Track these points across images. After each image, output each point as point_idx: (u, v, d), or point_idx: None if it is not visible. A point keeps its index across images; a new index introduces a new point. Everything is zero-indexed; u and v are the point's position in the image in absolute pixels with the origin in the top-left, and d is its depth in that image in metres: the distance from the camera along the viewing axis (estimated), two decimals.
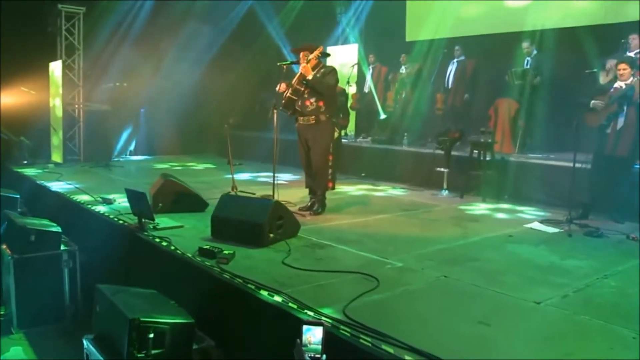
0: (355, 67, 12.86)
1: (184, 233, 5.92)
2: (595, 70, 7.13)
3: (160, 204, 6.87)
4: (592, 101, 7.03)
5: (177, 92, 13.76)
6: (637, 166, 7.33)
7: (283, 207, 5.80)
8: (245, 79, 14.26)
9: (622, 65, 6.96)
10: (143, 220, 5.96)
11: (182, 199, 7.04)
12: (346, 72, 11.95)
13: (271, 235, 5.48)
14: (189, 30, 13.83)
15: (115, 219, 6.43)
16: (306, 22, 13.52)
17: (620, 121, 6.87)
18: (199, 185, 8.01)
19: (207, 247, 5.06)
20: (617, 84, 7.00)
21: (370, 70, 12.85)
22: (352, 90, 12.52)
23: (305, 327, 2.88)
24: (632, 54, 8.25)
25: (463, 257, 5.17)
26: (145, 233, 5.76)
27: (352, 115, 12.68)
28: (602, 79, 8.25)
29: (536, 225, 6.66)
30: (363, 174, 10.60)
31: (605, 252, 5.52)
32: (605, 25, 9.52)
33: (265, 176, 10.08)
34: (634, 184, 6.85)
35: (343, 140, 11.35)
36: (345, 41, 14.16)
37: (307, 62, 6.79)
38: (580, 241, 5.97)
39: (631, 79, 6.88)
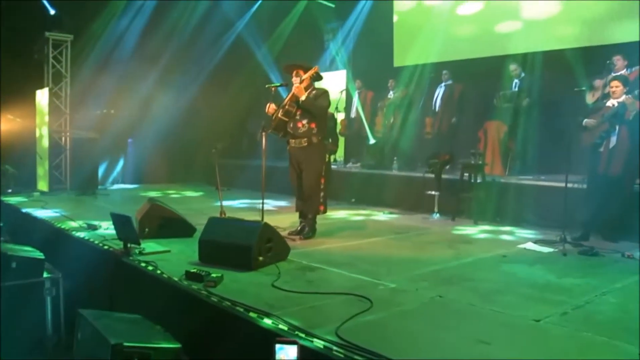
0: (344, 92, 12.88)
1: (170, 257, 5.75)
2: (584, 88, 7.12)
3: (146, 229, 6.70)
4: (585, 120, 6.99)
5: (164, 120, 13.60)
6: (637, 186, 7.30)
7: (272, 229, 5.65)
8: (233, 106, 14.21)
9: (615, 83, 6.94)
10: (129, 245, 5.80)
11: (169, 224, 6.87)
12: (335, 98, 11.93)
13: (260, 258, 5.32)
14: (177, 57, 13.82)
15: (100, 245, 6.25)
16: (294, 49, 13.56)
17: (613, 140, 6.82)
18: (187, 212, 7.85)
19: (194, 270, 4.90)
20: (610, 102, 6.97)
21: (357, 95, 12.83)
22: (340, 116, 12.50)
23: (277, 345, 2.72)
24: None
25: (458, 278, 5.04)
26: (131, 258, 5.59)
27: (341, 141, 12.67)
28: (589, 99, 8.25)
29: (530, 245, 6.57)
30: (353, 200, 10.50)
31: (602, 270, 5.43)
32: (590, 47, 9.58)
33: (254, 203, 9.94)
34: (630, 203, 6.82)
35: (332, 166, 11.29)
36: (334, 67, 14.19)
37: (301, 82, 6.69)
38: (576, 260, 5.89)
39: (623, 97, 6.85)
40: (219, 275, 4.82)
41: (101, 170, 13.23)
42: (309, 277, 5.07)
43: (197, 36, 13.98)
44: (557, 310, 4.08)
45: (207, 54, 14.49)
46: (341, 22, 14.18)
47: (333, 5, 14.65)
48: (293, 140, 6.83)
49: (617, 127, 6.79)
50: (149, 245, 6.05)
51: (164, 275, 4.99)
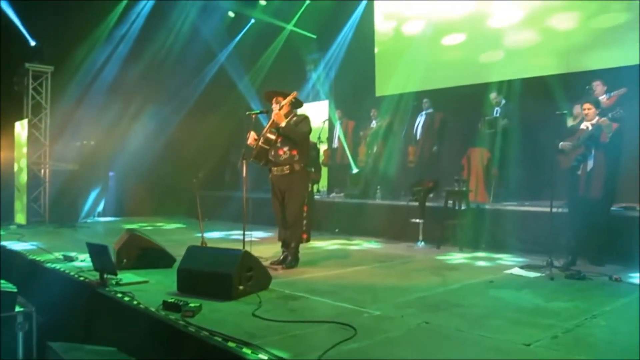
0: (326, 122, 12.85)
1: (148, 288, 5.57)
2: (565, 112, 7.13)
3: (124, 260, 6.54)
4: (561, 143, 6.97)
5: (146, 152, 13.55)
6: (616, 209, 7.28)
7: (253, 257, 5.49)
8: (216, 137, 14.14)
9: (587, 105, 6.97)
10: (105, 276, 5.61)
11: (147, 254, 6.69)
12: (317, 127, 11.87)
13: (240, 287, 5.16)
14: (159, 88, 13.76)
15: (76, 276, 6.05)
16: (276, 79, 13.54)
17: (590, 163, 6.81)
18: (168, 244, 7.66)
19: (172, 300, 4.73)
20: (584, 125, 6.98)
21: (338, 125, 12.79)
22: (323, 147, 12.46)
23: None
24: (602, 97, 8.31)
25: (444, 304, 4.91)
26: (107, 289, 5.40)
27: (325, 171, 12.60)
28: (569, 123, 8.26)
29: (516, 270, 6.48)
30: (337, 230, 10.36)
31: (591, 294, 5.34)
32: (570, 74, 9.69)
33: (236, 234, 9.73)
34: (612, 226, 6.78)
35: (316, 197, 11.18)
36: (316, 98, 14.18)
37: (280, 109, 6.61)
38: (563, 284, 5.79)
39: (596, 118, 6.86)
40: (198, 304, 4.65)
41: (81, 203, 12.99)
42: (292, 305, 4.91)
43: (179, 67, 13.95)
44: (547, 334, 3.95)
45: (189, 85, 14.47)
46: (323, 53, 14.26)
47: (314, 37, 14.73)
48: (275, 168, 6.72)
49: (592, 150, 6.79)
50: (126, 276, 5.87)
51: (141, 306, 4.81)
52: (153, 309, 4.70)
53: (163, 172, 13.92)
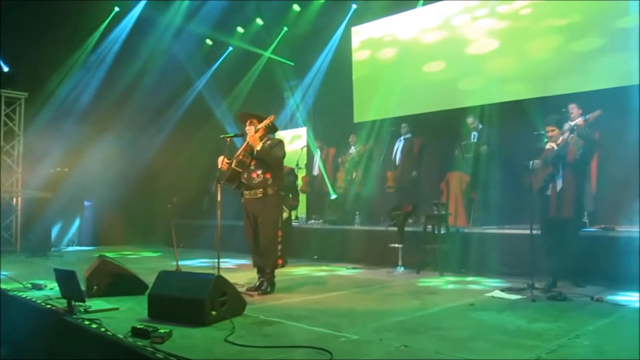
0: (304, 149, 12.77)
1: (118, 315, 5.35)
2: (542, 132, 7.11)
3: (94, 287, 6.32)
4: (531, 161, 6.94)
5: (123, 180, 13.37)
6: (595, 230, 7.25)
7: (226, 282, 5.30)
8: (193, 165, 13.94)
9: (550, 127, 7.00)
10: (73, 303, 5.37)
11: (119, 281, 6.46)
12: (295, 154, 11.81)
13: (213, 312, 4.96)
14: (135, 115, 13.58)
15: (43, 304, 5.80)
16: (254, 106, 13.38)
17: (559, 183, 6.77)
18: (142, 271, 7.42)
19: (141, 326, 4.53)
20: (549, 145, 6.98)
21: (318, 153, 12.71)
22: (301, 174, 12.37)
23: None
24: (573, 123, 8.33)
25: (424, 327, 4.76)
26: (74, 316, 5.17)
27: (303, 197, 12.47)
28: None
29: (497, 293, 6.36)
30: (315, 257, 10.20)
31: (573, 314, 5.25)
32: (546, 97, 9.76)
33: (214, 262, 9.52)
34: (595, 248, 6.73)
35: (294, 224, 11.03)
36: (294, 124, 14.12)
37: (256, 132, 6.50)
38: (545, 305, 5.69)
39: (561, 138, 6.86)
40: (168, 330, 4.46)
41: (55, 231, 12.71)
42: (266, 331, 4.72)
43: (156, 94, 13.81)
44: (530, 355, 3.83)
45: (166, 112, 14.34)
46: (300, 80, 14.24)
47: (292, 64, 14.73)
48: (247, 192, 6.59)
49: (560, 170, 6.75)
50: (95, 303, 5.67)
51: (108, 333, 4.59)
52: (121, 336, 4.48)
53: (140, 200, 13.72)
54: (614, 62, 9.22)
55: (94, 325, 4.83)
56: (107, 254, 10.35)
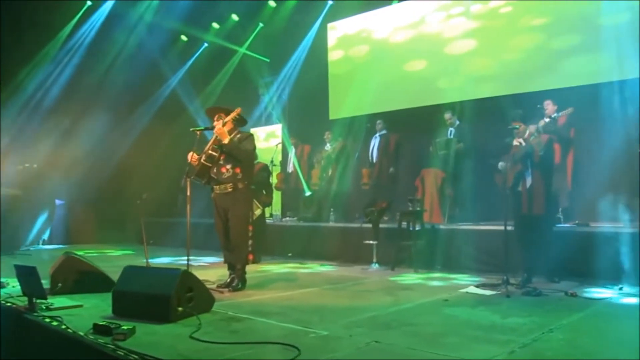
0: (280, 146, 12.63)
1: (81, 312, 5.16)
2: (517, 127, 7.05)
3: (59, 284, 6.12)
4: (499, 163, 6.92)
5: (96, 177, 13.10)
6: (569, 226, 7.23)
7: (193, 277, 5.15)
8: (167, 162, 13.71)
9: (515, 123, 6.99)
10: (34, 300, 5.17)
11: (85, 278, 6.27)
12: (270, 151, 11.67)
13: (180, 309, 4.80)
14: (108, 112, 13.30)
15: (3, 302, 5.58)
16: (228, 103, 13.20)
17: (528, 180, 6.75)
18: (112, 269, 7.18)
19: (104, 323, 4.36)
20: (516, 141, 6.95)
21: (293, 150, 12.57)
22: (276, 171, 12.22)
23: None
24: (547, 119, 8.32)
25: (397, 322, 4.64)
26: (35, 314, 4.97)
27: (278, 195, 12.33)
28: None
29: (472, 289, 6.28)
30: (290, 254, 10.06)
31: (547, 309, 5.18)
32: (522, 94, 9.71)
33: (185, 259, 9.35)
34: (569, 243, 6.70)
35: (268, 221, 10.88)
36: (269, 121, 13.97)
37: (223, 125, 6.34)
38: (520, 301, 5.62)
39: (527, 132, 6.83)
40: (131, 327, 4.30)
41: (24, 230, 12.36)
42: (234, 327, 4.58)
43: (130, 90, 13.52)
44: (504, 349, 3.73)
45: (140, 108, 14.08)
46: (276, 76, 14.09)
47: (268, 60, 14.58)
48: (217, 187, 6.45)
49: (529, 167, 6.73)
50: (58, 300, 5.48)
51: (69, 330, 4.41)
52: (82, 333, 4.31)
53: (113, 197, 13.44)
54: (588, 59, 9.23)
55: (54, 323, 4.64)
56: (75, 252, 10.18)
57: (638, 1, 8.60)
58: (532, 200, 6.70)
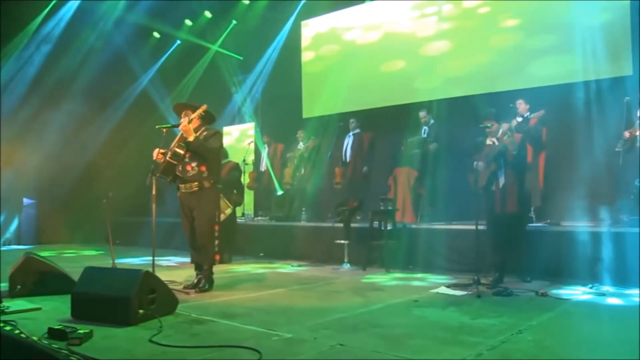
0: (252, 144, 12.48)
1: (39, 315, 4.98)
2: (488, 125, 6.98)
3: (18, 286, 5.91)
4: (475, 163, 6.84)
5: (65, 177, 12.90)
6: (541, 225, 7.20)
7: (156, 279, 4.98)
8: (137, 160, 13.45)
9: (488, 122, 6.88)
10: None
11: (46, 279, 6.06)
12: (243, 150, 11.51)
13: (141, 311, 4.63)
14: (78, 109, 13.02)
15: None
16: (200, 101, 13.02)
17: (502, 179, 6.69)
18: (78, 270, 7.00)
19: (59, 327, 4.18)
20: (489, 141, 6.89)
21: (266, 149, 12.41)
22: (249, 169, 12.07)
23: None
24: (520, 118, 8.30)
25: (364, 324, 4.53)
26: None
27: (250, 194, 12.18)
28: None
29: (442, 289, 6.19)
30: (261, 254, 9.91)
31: (517, 309, 5.12)
32: (495, 93, 9.68)
33: (156, 259, 9.11)
34: (540, 242, 6.68)
35: (240, 220, 10.73)
36: (242, 120, 13.81)
37: (189, 122, 6.18)
38: (490, 301, 5.55)
39: (500, 131, 6.78)
40: (88, 331, 4.14)
41: None
42: (196, 330, 4.43)
43: (101, 86, 13.25)
44: (471, 351, 3.64)
45: (111, 105, 13.84)
46: (248, 75, 13.92)
47: (241, 58, 14.41)
48: (183, 185, 6.29)
49: (502, 167, 6.68)
50: (16, 303, 5.31)
51: (22, 335, 4.21)
52: (35, 338, 4.11)
53: (83, 196, 13.13)
54: (559, 60, 9.23)
55: (7, 327, 4.44)
56: (42, 253, 9.90)
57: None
58: (505, 200, 6.64)
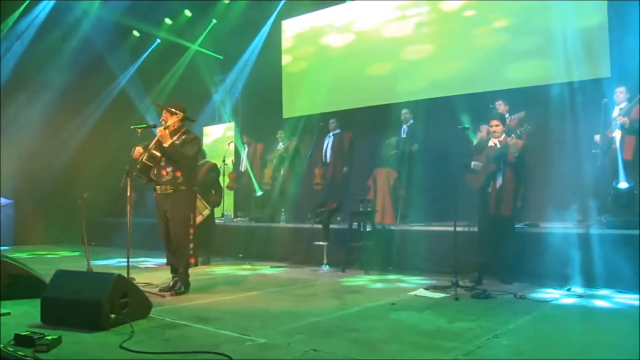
0: (232, 144, 12.38)
1: (8, 320, 4.84)
2: (467, 126, 6.96)
3: None
4: (473, 162, 6.80)
5: (44, 176, 12.78)
6: (520, 226, 7.20)
7: (128, 282, 4.89)
8: (117, 159, 13.29)
9: (495, 122, 6.85)
10: None
11: (17, 283, 5.90)
12: (222, 150, 11.42)
13: (112, 315, 4.53)
14: (57, 107, 12.83)
15: None
16: (180, 100, 12.91)
17: (499, 180, 6.69)
18: (52, 272, 6.89)
19: (27, 333, 4.07)
20: (491, 142, 6.86)
21: (246, 149, 12.32)
22: (228, 169, 11.97)
23: None
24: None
25: (339, 329, 4.47)
26: None
27: (230, 194, 12.08)
28: (475, 141, 8.18)
29: (421, 292, 6.15)
30: (240, 255, 9.82)
31: (495, 312, 5.09)
32: (474, 94, 9.66)
33: (135, 261, 9.01)
34: (520, 244, 6.72)
35: (219, 221, 10.62)
36: (221, 119, 13.71)
37: (165, 129, 6.09)
38: (468, 304, 5.52)
39: (504, 135, 6.74)
40: (56, 337, 4.03)
41: None
42: (169, 335, 4.35)
43: (80, 84, 13.05)
44: (446, 356, 3.62)
45: (90, 104, 13.66)
46: (228, 74, 13.82)
47: (221, 57, 14.30)
48: (158, 187, 6.23)
49: (502, 168, 6.66)
50: None
51: None
52: (1, 346, 4.01)
53: (62, 196, 12.91)
54: (538, 62, 9.24)
55: None
56: (18, 254, 9.75)
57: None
58: (500, 202, 6.64)
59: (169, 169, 6.12)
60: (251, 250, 9.79)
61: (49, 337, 4.00)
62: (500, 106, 8.49)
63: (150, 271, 8.20)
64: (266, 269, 8.54)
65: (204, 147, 9.26)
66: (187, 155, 6.16)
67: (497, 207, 6.65)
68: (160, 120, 6.31)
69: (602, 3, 8.59)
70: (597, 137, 7.49)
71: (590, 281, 6.19)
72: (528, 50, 9.36)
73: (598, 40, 8.59)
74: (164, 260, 8.74)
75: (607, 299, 5.74)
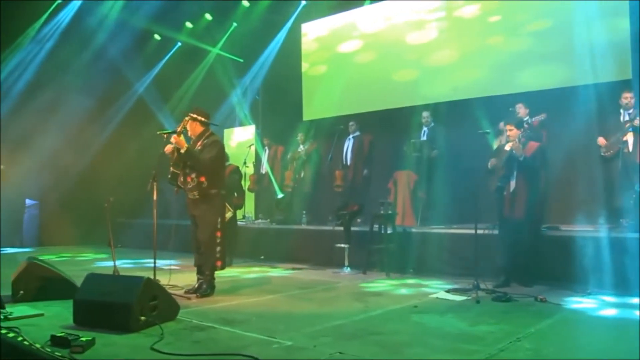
0: (253, 147, 12.50)
1: (41, 322, 5.00)
2: (488, 131, 7.02)
3: (21, 291, 5.92)
4: (491, 159, 6.85)
5: (68, 178, 12.98)
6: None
7: (157, 285, 5.03)
8: (138, 163, 13.47)
9: (509, 127, 6.94)
10: None
11: (48, 285, 6.07)
12: (243, 153, 11.55)
13: (142, 318, 4.66)
14: (80, 109, 13.04)
15: None
16: (201, 103, 12.90)
17: (512, 184, 6.75)
18: (80, 274, 6.99)
19: (62, 334, 4.21)
20: (508, 146, 6.92)
21: (266, 151, 12.44)
22: (249, 171, 12.11)
23: None
24: (526, 125, 8.32)
25: (363, 331, 4.56)
26: None
27: (251, 196, 12.20)
28: (496, 144, 8.20)
29: (442, 294, 6.23)
30: (262, 257, 9.95)
31: (516, 315, 5.15)
32: (494, 96, 9.65)
33: (159, 263, 9.12)
34: (538, 247, 6.70)
35: (241, 223, 10.76)
36: (243, 122, 13.84)
37: (180, 134, 6.20)
38: (489, 307, 5.58)
39: (516, 140, 6.80)
40: (90, 338, 4.16)
41: None
42: (197, 337, 4.46)
43: (103, 87, 13.26)
44: None
45: (113, 106, 13.90)
46: (248, 77, 13.94)
47: (242, 60, 14.44)
48: (188, 193, 6.36)
49: (514, 172, 6.71)
50: (18, 309, 5.31)
51: (25, 342, 4.24)
52: (38, 346, 4.14)
53: (87, 197, 13.14)
54: (560, 64, 9.23)
55: (10, 334, 4.47)
56: (44, 255, 9.93)
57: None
58: (513, 205, 6.71)
59: (193, 175, 6.25)
60: (273, 252, 9.91)
61: (84, 339, 4.12)
62: (521, 109, 8.50)
63: (175, 272, 8.29)
64: (288, 271, 8.66)
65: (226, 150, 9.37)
66: (203, 159, 6.24)
67: (511, 210, 6.71)
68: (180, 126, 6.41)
69: (624, 3, 8.55)
70: (600, 140, 7.52)
71: (611, 286, 6.17)
72: (549, 53, 9.34)
73: (620, 43, 8.55)
74: (187, 262, 8.95)
75: (628, 305, 5.71)
